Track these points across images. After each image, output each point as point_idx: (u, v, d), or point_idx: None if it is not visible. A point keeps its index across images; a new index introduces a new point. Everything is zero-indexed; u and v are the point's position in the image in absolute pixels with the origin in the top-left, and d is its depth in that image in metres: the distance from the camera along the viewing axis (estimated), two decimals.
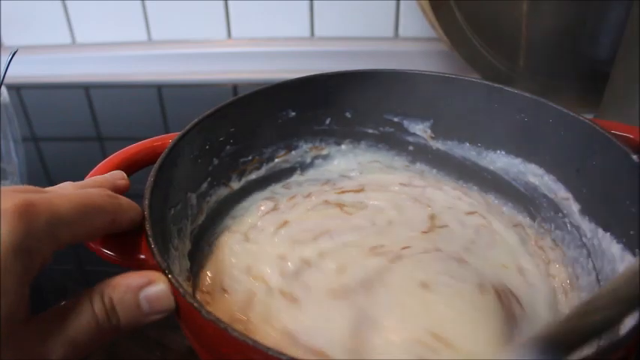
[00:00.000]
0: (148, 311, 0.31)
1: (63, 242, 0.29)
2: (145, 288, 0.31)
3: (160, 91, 0.90)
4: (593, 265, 0.44)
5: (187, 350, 0.46)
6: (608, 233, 0.42)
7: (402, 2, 0.83)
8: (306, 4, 0.84)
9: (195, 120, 0.45)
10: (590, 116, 0.45)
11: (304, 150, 0.54)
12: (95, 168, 0.41)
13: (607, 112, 0.64)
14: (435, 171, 0.55)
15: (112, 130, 0.81)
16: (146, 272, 0.31)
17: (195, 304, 0.29)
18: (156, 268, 0.33)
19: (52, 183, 0.35)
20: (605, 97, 0.64)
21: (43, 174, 0.72)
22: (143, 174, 0.40)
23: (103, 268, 0.37)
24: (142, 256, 0.35)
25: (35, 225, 0.27)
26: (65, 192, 0.31)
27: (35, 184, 0.32)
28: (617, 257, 0.41)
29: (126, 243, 0.35)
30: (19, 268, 0.26)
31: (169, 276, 0.32)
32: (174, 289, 0.31)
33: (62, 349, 0.28)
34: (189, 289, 0.40)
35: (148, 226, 0.35)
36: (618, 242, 0.41)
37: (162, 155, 0.40)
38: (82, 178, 0.38)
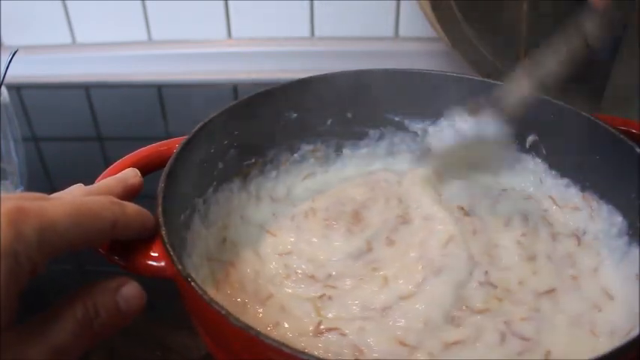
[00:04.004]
0: (126, 309, 0.32)
1: (56, 249, 0.29)
2: (120, 289, 0.32)
3: (160, 91, 0.90)
4: None
5: (188, 350, 0.46)
6: None
7: (402, 2, 0.83)
8: (306, 4, 0.84)
9: (200, 124, 0.44)
10: None
11: (306, 150, 0.54)
12: (103, 173, 0.41)
13: (607, 111, 0.64)
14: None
15: (112, 130, 0.80)
16: (117, 277, 0.33)
17: (223, 312, 0.30)
18: (176, 275, 0.33)
19: (52, 183, 0.35)
20: (605, 97, 0.64)
21: (43, 174, 0.72)
22: (149, 179, 0.40)
23: (104, 269, 0.37)
24: (152, 263, 0.35)
25: (24, 231, 0.27)
26: (64, 199, 0.31)
27: (35, 184, 0.32)
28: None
29: (133, 250, 0.35)
30: (3, 270, 0.26)
31: (192, 283, 0.31)
32: (198, 296, 0.31)
33: (44, 355, 0.28)
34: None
35: (164, 233, 0.34)
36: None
37: (171, 160, 0.40)
38: (82, 178, 0.38)
